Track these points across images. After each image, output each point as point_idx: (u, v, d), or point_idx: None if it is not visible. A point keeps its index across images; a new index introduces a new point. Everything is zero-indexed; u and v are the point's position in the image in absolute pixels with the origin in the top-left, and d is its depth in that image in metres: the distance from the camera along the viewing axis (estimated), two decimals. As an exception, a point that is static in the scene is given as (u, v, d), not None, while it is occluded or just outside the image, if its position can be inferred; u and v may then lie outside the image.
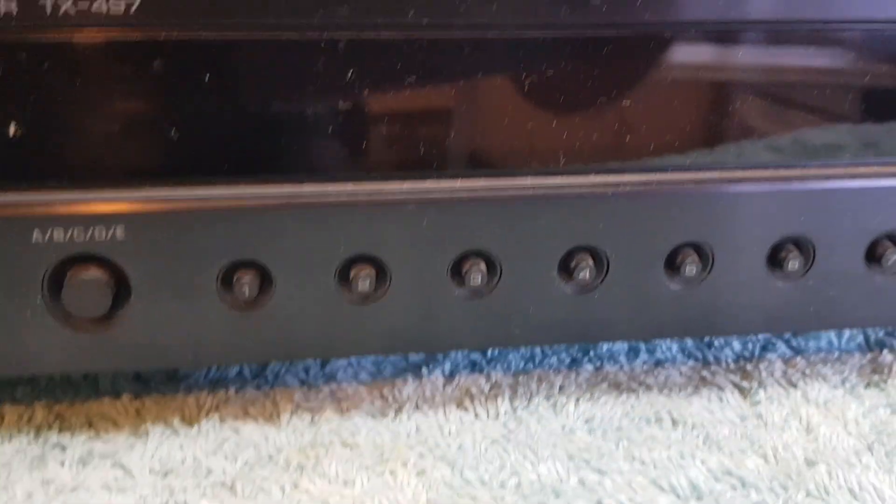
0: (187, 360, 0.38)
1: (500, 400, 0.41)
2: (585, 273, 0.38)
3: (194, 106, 0.33)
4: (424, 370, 0.44)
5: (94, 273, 0.35)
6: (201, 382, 0.42)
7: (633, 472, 0.37)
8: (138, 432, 0.39)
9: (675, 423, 0.40)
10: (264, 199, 0.35)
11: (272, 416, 0.40)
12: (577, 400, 0.42)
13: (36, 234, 0.34)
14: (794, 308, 0.40)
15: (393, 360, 0.44)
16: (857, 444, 0.39)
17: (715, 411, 0.41)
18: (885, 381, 0.44)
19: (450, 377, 0.43)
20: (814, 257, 0.39)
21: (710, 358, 0.45)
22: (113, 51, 0.32)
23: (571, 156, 0.37)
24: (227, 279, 0.36)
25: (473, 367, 0.44)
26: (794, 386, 0.43)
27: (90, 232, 0.34)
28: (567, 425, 0.40)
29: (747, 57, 0.37)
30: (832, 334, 0.47)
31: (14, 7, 0.31)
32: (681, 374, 0.44)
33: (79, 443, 0.38)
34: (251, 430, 0.39)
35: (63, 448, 0.38)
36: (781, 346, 0.46)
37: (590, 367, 0.44)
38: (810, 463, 0.38)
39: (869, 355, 0.46)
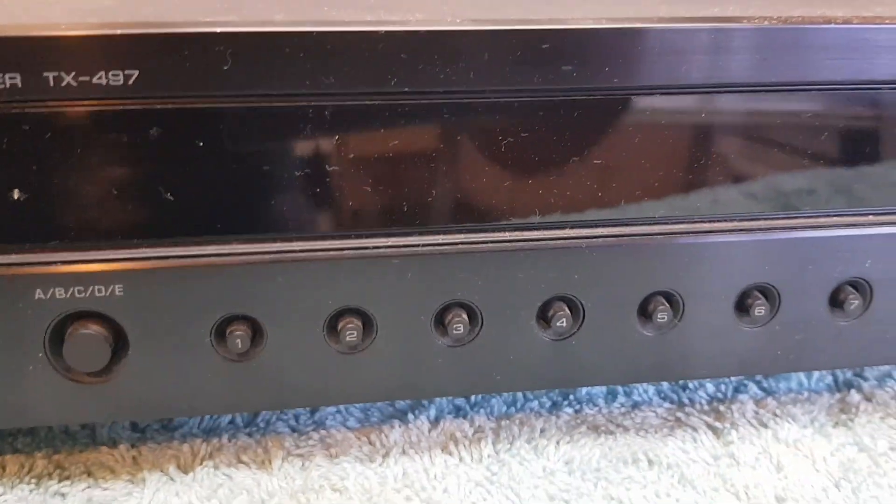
0: (182, 410, 0.39)
1: (483, 444, 0.43)
2: (563, 321, 0.39)
3: (188, 170, 0.35)
4: (410, 416, 0.45)
5: (93, 329, 0.36)
6: (195, 431, 0.44)
7: (610, 511, 0.38)
8: (136, 480, 0.40)
9: (651, 463, 0.42)
10: (255, 255, 0.36)
11: (264, 463, 0.41)
12: (558, 442, 0.43)
13: (38, 293, 0.35)
14: (762, 352, 0.42)
15: (380, 406, 0.45)
16: (825, 481, 0.41)
17: (689, 451, 0.42)
18: (853, 420, 0.45)
19: (435, 422, 0.44)
20: (779, 304, 0.41)
21: (685, 400, 0.47)
22: (112, 120, 0.34)
23: (547, 211, 0.38)
24: (220, 332, 0.37)
25: (457, 412, 0.45)
26: (766, 426, 0.44)
27: (90, 290, 0.36)
28: (548, 467, 0.41)
29: (711, 118, 0.38)
30: (802, 375, 0.49)
31: (19, 81, 0.32)
32: (657, 415, 0.45)
33: (78, 491, 0.39)
34: (244, 477, 0.40)
35: (63, 496, 0.39)
36: (753, 388, 0.48)
37: (569, 410, 0.46)
38: (780, 500, 0.39)
39: (837, 395, 0.47)
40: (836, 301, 0.42)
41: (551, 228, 0.38)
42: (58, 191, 0.34)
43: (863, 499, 0.39)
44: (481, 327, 0.39)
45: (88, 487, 0.40)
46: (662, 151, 0.38)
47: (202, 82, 0.33)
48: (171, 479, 0.40)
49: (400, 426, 0.44)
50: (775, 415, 0.45)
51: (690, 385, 0.48)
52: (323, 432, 0.44)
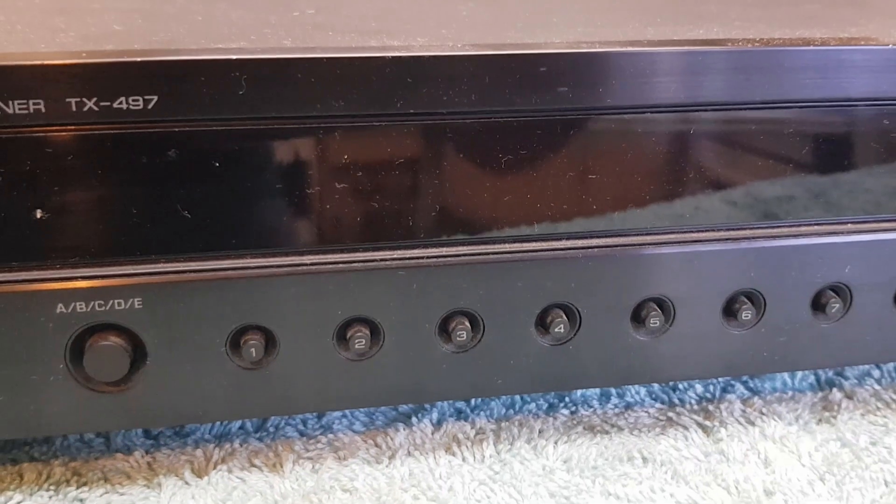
0: (198, 417, 0.40)
1: (485, 444, 0.44)
2: (560, 327, 0.41)
3: (204, 189, 0.36)
4: (414, 419, 0.46)
5: (113, 340, 0.37)
6: (207, 437, 0.45)
7: (608, 507, 0.40)
8: (152, 485, 0.41)
9: (645, 460, 0.43)
10: (268, 268, 0.38)
11: (276, 466, 0.43)
12: (556, 442, 0.44)
13: (60, 307, 0.37)
14: (749, 354, 0.43)
15: (383, 410, 0.47)
16: (810, 475, 0.42)
17: (681, 449, 0.44)
18: (835, 417, 0.47)
19: (438, 425, 0.46)
20: (765, 308, 0.43)
21: (676, 400, 0.48)
22: (131, 143, 0.35)
23: (544, 223, 0.40)
24: (235, 342, 0.39)
25: (459, 415, 0.47)
26: (753, 424, 0.46)
27: (110, 303, 0.37)
28: (547, 466, 0.43)
29: (698, 135, 0.40)
30: (786, 375, 0.50)
31: (43, 107, 0.34)
32: (649, 415, 0.47)
33: (96, 496, 0.40)
34: (257, 479, 0.42)
35: (82, 501, 0.40)
36: (740, 388, 0.49)
37: (566, 411, 0.47)
38: (769, 493, 0.41)
39: (820, 394, 0.49)
40: (818, 305, 0.44)
41: (549, 240, 0.40)
42: (79, 210, 0.36)
43: (847, 491, 0.41)
44: (483, 334, 0.41)
45: (106, 493, 0.41)
46: (653, 166, 0.40)
47: (218, 106, 0.35)
48: (187, 483, 0.41)
49: (404, 429, 0.45)
50: (762, 413, 0.47)
51: (680, 386, 0.49)
52: (331, 436, 0.45)
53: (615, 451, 0.44)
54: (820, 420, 0.47)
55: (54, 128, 0.35)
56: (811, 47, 0.39)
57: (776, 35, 0.40)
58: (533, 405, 0.48)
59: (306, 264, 0.38)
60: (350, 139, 0.37)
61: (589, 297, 0.41)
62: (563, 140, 0.38)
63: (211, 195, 0.37)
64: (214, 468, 0.42)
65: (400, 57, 0.36)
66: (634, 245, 0.41)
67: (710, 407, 0.48)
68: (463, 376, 0.41)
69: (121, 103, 0.34)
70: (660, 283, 0.41)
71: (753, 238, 0.42)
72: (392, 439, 0.45)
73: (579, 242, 0.40)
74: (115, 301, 0.37)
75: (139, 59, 0.34)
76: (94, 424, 0.40)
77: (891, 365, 0.52)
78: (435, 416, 0.46)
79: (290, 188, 0.37)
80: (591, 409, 0.47)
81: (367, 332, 0.39)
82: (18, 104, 0.34)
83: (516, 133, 0.38)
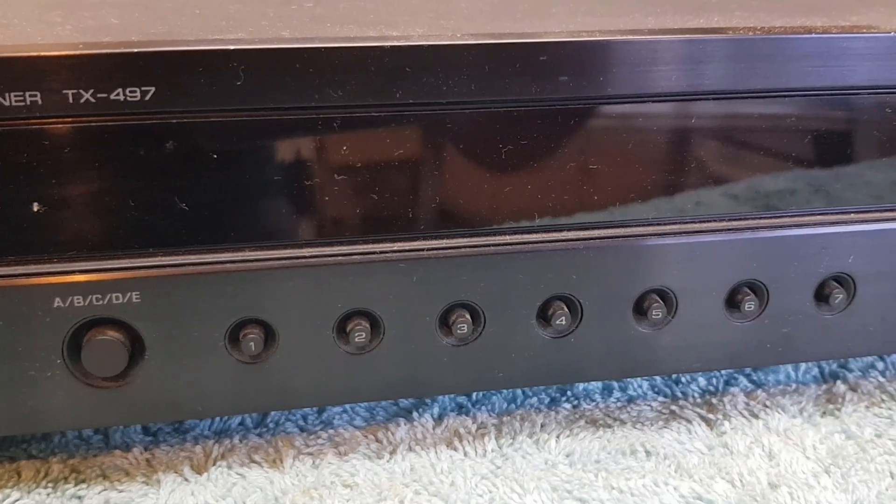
0: (197, 412, 0.40)
1: (486, 439, 0.44)
2: (561, 320, 0.41)
3: (202, 181, 0.36)
4: (415, 414, 0.46)
5: (111, 334, 0.37)
6: (206, 433, 0.45)
7: (612, 500, 0.40)
8: (151, 481, 0.41)
9: (648, 454, 0.43)
10: (267, 261, 0.38)
11: (276, 462, 0.43)
12: (558, 436, 0.44)
13: (57, 301, 0.36)
14: (752, 345, 0.43)
15: (384, 405, 0.47)
16: (815, 467, 0.42)
17: (684, 442, 0.44)
18: (839, 410, 0.47)
19: (439, 420, 0.46)
20: (767, 299, 0.42)
21: (679, 393, 0.48)
22: (128, 135, 0.35)
23: (545, 214, 0.39)
24: (234, 336, 0.38)
25: (461, 409, 0.46)
26: (757, 416, 0.46)
27: (108, 297, 0.37)
28: (549, 460, 0.43)
29: (699, 125, 0.40)
30: (790, 368, 0.50)
31: (39, 98, 0.34)
32: (652, 409, 0.47)
33: (95, 493, 0.40)
34: (257, 475, 0.41)
35: (80, 499, 0.40)
36: (743, 381, 0.49)
37: (568, 405, 0.47)
38: (773, 486, 0.41)
39: (824, 386, 0.49)
40: (821, 295, 0.43)
41: (550, 231, 0.40)
42: (76, 203, 0.36)
43: (852, 483, 0.41)
44: (484, 327, 0.40)
45: (105, 490, 0.40)
46: (654, 156, 0.40)
47: (216, 97, 0.35)
48: (186, 479, 0.41)
49: (405, 424, 0.45)
50: (766, 406, 0.47)
51: (683, 379, 0.49)
52: (331, 431, 0.45)
53: (618, 445, 0.44)
54: (824, 412, 0.47)
55: (51, 120, 0.34)
56: (812, 35, 0.39)
57: (776, 24, 0.40)
58: (535, 399, 0.47)
59: (305, 257, 0.38)
60: (349, 130, 0.37)
61: (590, 288, 0.41)
62: (563, 130, 0.38)
63: (209, 187, 0.36)
64: (214, 464, 0.42)
65: (399, 46, 0.35)
66: (636, 236, 0.41)
67: (714, 400, 0.47)
68: (464, 370, 0.41)
69: (118, 95, 0.34)
70: (662, 275, 0.41)
71: (756, 228, 0.42)
72: (393, 434, 0.44)
73: (580, 234, 0.40)
74: (113, 295, 0.37)
75: (136, 51, 0.34)
76: (92, 420, 0.40)
77: (895, 356, 0.51)
78: (436, 410, 0.46)
79: (289, 180, 0.37)
80: (594, 403, 0.47)
81: (368, 325, 0.39)
82: (15, 96, 0.34)
83: (516, 123, 0.38)
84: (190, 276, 0.37)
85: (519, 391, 0.48)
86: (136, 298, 0.37)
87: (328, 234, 0.38)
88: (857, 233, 0.42)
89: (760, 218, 0.42)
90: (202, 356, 0.38)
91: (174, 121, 0.35)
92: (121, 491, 0.41)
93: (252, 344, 0.38)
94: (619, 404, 0.47)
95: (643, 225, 0.41)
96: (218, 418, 0.45)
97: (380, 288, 0.39)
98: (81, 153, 0.35)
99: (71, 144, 0.35)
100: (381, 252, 0.39)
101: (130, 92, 0.34)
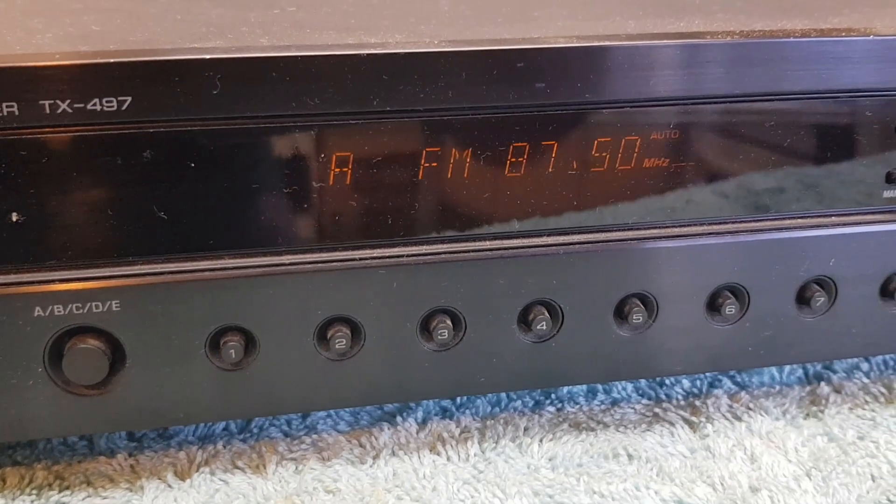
0: (179, 419, 0.40)
1: (469, 443, 0.44)
2: (542, 324, 0.41)
3: (180, 190, 0.36)
4: (399, 418, 0.46)
5: (91, 343, 0.37)
6: (190, 439, 0.45)
7: (592, 505, 0.40)
8: (134, 488, 0.41)
9: (630, 457, 0.43)
10: (247, 269, 0.38)
11: (259, 468, 0.43)
12: (541, 440, 0.44)
13: (37, 310, 0.36)
14: (733, 348, 0.43)
15: (369, 410, 0.47)
16: (796, 470, 0.42)
17: (667, 445, 0.44)
18: (823, 412, 0.47)
19: (422, 424, 0.46)
20: (749, 302, 0.42)
21: (662, 395, 0.48)
22: (106, 144, 0.35)
23: (525, 220, 0.39)
24: (214, 343, 0.38)
25: (444, 413, 0.46)
26: (739, 419, 0.46)
27: (87, 306, 0.37)
28: (532, 464, 0.43)
29: (679, 129, 0.40)
30: (774, 369, 0.50)
31: (16, 109, 0.34)
32: (635, 411, 0.47)
33: (79, 500, 0.40)
34: (240, 481, 0.42)
35: (64, 506, 0.40)
36: (727, 382, 0.49)
37: (551, 409, 0.47)
38: (754, 489, 0.41)
39: (808, 388, 0.49)
40: (802, 298, 0.43)
41: (530, 236, 0.40)
42: (55, 212, 0.36)
43: (833, 486, 0.41)
44: (465, 332, 0.40)
45: (89, 497, 0.41)
46: (633, 161, 0.40)
47: (193, 106, 0.35)
48: (169, 485, 0.41)
49: (389, 428, 0.45)
50: (748, 408, 0.47)
51: (667, 381, 0.49)
52: (315, 436, 0.45)
53: (600, 449, 0.44)
54: (807, 414, 0.47)
55: (28, 130, 0.34)
56: (793, 39, 0.39)
57: (758, 27, 0.40)
58: (519, 403, 0.47)
59: (285, 264, 0.38)
60: (327, 138, 0.37)
61: (571, 293, 0.41)
62: (542, 136, 0.38)
63: (187, 196, 0.36)
64: (197, 470, 0.42)
65: (376, 54, 0.35)
66: (616, 241, 0.41)
67: (697, 402, 0.48)
68: (445, 375, 0.41)
69: (94, 105, 0.34)
70: (642, 279, 0.41)
71: (736, 232, 0.42)
72: (376, 439, 0.44)
73: (560, 239, 0.40)
74: (93, 304, 0.37)
75: (112, 61, 0.34)
76: (74, 428, 0.40)
77: (879, 358, 0.51)
78: (420, 414, 0.46)
79: (267, 188, 0.37)
80: (577, 406, 0.47)
81: (348, 331, 0.39)
82: (-9, 107, 0.33)
83: (495, 129, 0.38)
84: (169, 284, 0.37)
85: (503, 395, 0.48)
86: (117, 307, 0.37)
87: (307, 241, 0.38)
88: (838, 236, 0.43)
89: (741, 222, 0.42)
90: (183, 364, 0.39)
91: (151, 130, 0.35)
92: (104, 497, 0.41)
93: (232, 351, 0.38)
94: (602, 407, 0.47)
95: (623, 230, 0.41)
96: (202, 424, 0.45)
97: (360, 294, 0.39)
98: (59, 163, 0.35)
99: (49, 154, 0.35)
100: (361, 259, 0.39)
101: (107, 102, 0.34)
